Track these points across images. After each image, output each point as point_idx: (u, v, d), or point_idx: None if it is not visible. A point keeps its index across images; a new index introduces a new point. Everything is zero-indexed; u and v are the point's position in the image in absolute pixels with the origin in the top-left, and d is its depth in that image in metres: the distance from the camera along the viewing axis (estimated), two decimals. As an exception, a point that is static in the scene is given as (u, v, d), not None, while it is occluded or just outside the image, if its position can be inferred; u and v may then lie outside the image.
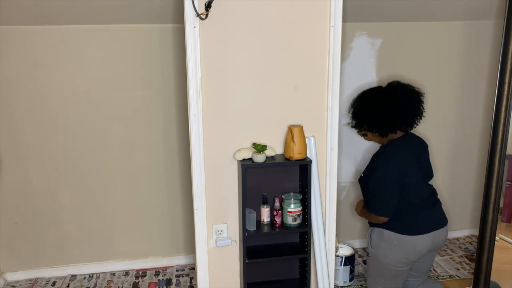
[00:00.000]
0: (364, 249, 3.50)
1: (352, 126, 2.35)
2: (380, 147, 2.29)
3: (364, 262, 3.32)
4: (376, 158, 2.22)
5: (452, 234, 3.65)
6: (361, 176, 2.31)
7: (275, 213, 2.14)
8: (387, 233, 2.16)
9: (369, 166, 2.25)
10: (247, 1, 1.99)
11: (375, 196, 2.16)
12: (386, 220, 2.15)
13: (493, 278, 2.61)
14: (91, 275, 3.20)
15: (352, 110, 2.32)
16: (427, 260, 2.29)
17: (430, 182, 2.29)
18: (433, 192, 2.27)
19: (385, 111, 2.15)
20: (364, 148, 3.30)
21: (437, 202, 2.26)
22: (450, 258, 3.34)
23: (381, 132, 2.21)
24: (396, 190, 2.11)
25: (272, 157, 2.11)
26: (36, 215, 3.06)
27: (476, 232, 3.52)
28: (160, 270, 3.26)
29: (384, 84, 2.29)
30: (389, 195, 2.11)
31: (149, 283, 3.10)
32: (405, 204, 2.13)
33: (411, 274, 2.31)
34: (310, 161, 2.08)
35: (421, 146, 2.27)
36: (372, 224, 2.27)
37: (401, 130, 2.21)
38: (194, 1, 1.89)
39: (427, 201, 2.21)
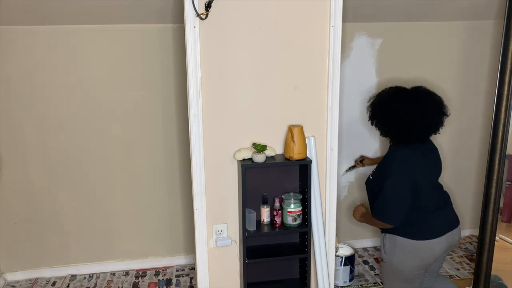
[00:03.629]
0: (364, 249, 3.51)
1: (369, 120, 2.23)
2: (390, 148, 2.21)
3: (364, 262, 3.32)
4: (388, 165, 2.11)
5: (452, 234, 3.65)
6: (369, 178, 2.22)
7: (275, 213, 2.14)
8: (400, 239, 2.09)
9: (379, 171, 2.16)
10: (247, 1, 1.99)
11: (388, 205, 2.06)
12: (393, 226, 2.09)
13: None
14: (91, 275, 3.20)
15: (372, 108, 2.17)
16: (440, 261, 2.24)
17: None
18: (443, 191, 2.21)
19: (407, 126, 2.04)
20: (364, 148, 3.31)
21: (448, 202, 2.19)
22: (450, 258, 3.34)
23: (395, 142, 2.13)
24: (409, 199, 2.03)
25: (272, 157, 2.11)
26: (36, 215, 3.06)
27: (476, 232, 3.51)
28: (160, 270, 3.26)
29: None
30: (402, 205, 2.03)
31: (149, 283, 3.10)
32: (417, 209, 2.05)
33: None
34: (310, 161, 2.08)
35: (430, 145, 2.19)
36: (383, 230, 2.19)
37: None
38: (194, 1, 1.89)
39: (439, 202, 2.15)
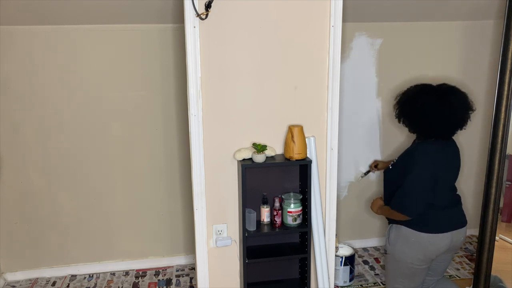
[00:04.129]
0: (364, 249, 3.51)
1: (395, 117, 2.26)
2: (414, 142, 2.22)
3: (364, 262, 3.32)
4: (410, 158, 2.13)
5: (452, 234, 3.64)
6: (388, 168, 2.26)
7: (275, 213, 2.14)
8: (405, 229, 2.13)
9: (400, 162, 2.19)
10: (247, 1, 1.99)
11: (407, 197, 2.08)
12: (410, 218, 2.11)
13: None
14: (91, 275, 3.20)
15: (399, 105, 2.20)
16: (444, 261, 2.25)
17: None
18: (456, 192, 2.23)
19: (432, 123, 2.07)
20: (364, 148, 3.30)
21: (458, 202, 2.22)
22: (450, 258, 3.33)
23: (422, 138, 2.15)
24: (430, 193, 2.06)
25: (272, 157, 2.11)
26: (36, 215, 3.06)
27: (476, 232, 3.51)
28: (160, 270, 3.27)
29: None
30: (421, 198, 2.06)
31: (149, 283, 3.10)
32: (428, 203, 2.08)
33: (427, 273, 2.27)
34: (310, 161, 2.08)
35: (453, 146, 2.21)
36: (391, 221, 2.24)
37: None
38: (194, 1, 1.89)
39: (450, 201, 2.18)
